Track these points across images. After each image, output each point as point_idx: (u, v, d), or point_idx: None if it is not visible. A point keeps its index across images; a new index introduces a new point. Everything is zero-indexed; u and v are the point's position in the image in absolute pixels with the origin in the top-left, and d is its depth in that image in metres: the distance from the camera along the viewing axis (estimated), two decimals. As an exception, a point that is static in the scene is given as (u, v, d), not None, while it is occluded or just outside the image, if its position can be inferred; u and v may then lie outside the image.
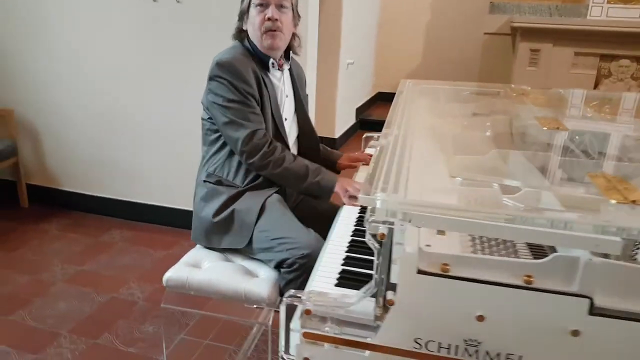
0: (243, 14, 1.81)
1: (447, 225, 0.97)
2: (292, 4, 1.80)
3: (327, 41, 4.40)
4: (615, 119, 1.88)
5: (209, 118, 1.82)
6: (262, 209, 1.72)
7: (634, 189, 1.08)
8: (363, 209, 1.60)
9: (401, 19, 6.32)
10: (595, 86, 5.15)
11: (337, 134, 4.96)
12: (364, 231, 1.42)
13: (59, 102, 3.28)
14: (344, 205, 1.67)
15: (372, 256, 1.29)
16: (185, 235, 3.10)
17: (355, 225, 1.50)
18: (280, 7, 1.75)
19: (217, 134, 1.81)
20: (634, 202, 1.00)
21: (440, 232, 1.12)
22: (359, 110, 5.79)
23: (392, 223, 0.98)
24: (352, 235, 1.43)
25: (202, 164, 1.90)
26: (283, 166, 1.72)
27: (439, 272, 0.98)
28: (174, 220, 3.21)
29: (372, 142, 2.24)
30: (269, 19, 1.73)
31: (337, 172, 2.02)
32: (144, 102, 3.10)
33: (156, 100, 3.07)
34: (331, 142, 4.83)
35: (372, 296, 1.03)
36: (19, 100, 3.36)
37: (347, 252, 1.34)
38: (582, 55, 5.02)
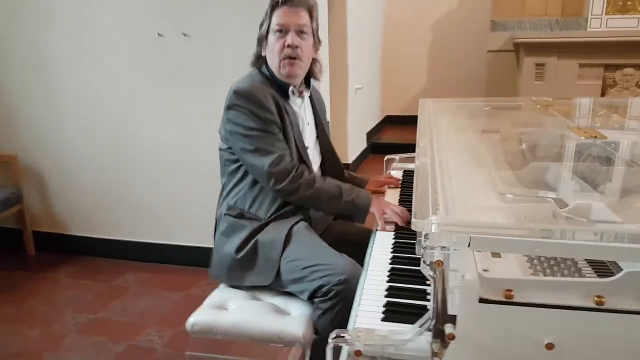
0: (262, 40, 1.75)
1: (512, 247, 0.88)
2: (312, 29, 1.74)
3: (335, 67, 4.40)
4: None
5: (227, 148, 1.76)
6: (287, 239, 1.63)
7: None
8: (399, 234, 1.51)
9: (404, 42, 6.37)
10: (602, 96, 5.12)
11: (350, 159, 4.94)
12: (405, 258, 1.37)
13: (64, 144, 3.22)
14: (376, 231, 1.57)
15: (417, 285, 1.23)
16: (204, 274, 2.99)
17: (392, 252, 1.40)
18: (300, 33, 1.69)
19: (237, 164, 1.74)
20: None
21: (495, 255, 1.03)
22: (369, 135, 5.78)
23: (445, 248, 0.89)
24: (391, 263, 1.34)
25: (222, 196, 1.83)
26: (315, 187, 1.65)
27: (503, 299, 0.88)
28: (191, 259, 3.11)
29: (394, 165, 2.18)
30: (288, 45, 1.67)
31: None
32: (153, 138, 3.04)
33: (166, 135, 3.01)
34: (344, 167, 4.79)
35: (427, 330, 0.93)
36: (22, 145, 3.29)
37: (388, 281, 1.24)
38: (586, 66, 5.02)
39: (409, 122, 6.46)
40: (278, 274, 1.62)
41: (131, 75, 2.97)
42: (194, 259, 3.09)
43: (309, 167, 1.76)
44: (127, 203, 3.20)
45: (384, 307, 1.13)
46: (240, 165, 1.73)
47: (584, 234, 0.85)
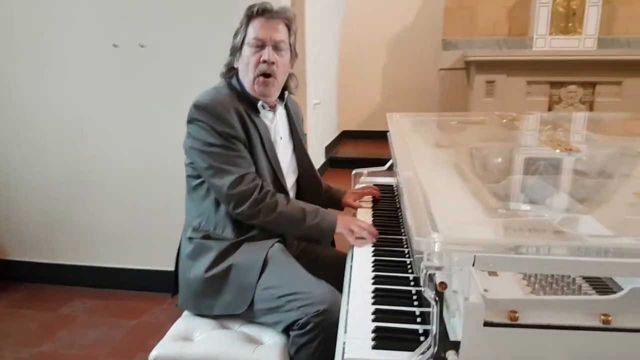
0: (235, 51, 1.66)
1: (518, 265, 0.83)
2: (290, 44, 1.66)
3: (294, 82, 4.35)
4: (617, 138, 1.83)
5: (190, 163, 1.65)
6: (264, 263, 1.51)
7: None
8: (378, 251, 1.45)
9: (360, 59, 6.43)
10: (549, 111, 5.30)
11: (310, 173, 4.87)
12: (387, 277, 1.31)
13: (5, 160, 2.99)
14: (353, 248, 1.50)
15: (405, 306, 1.16)
16: (159, 299, 2.86)
17: (374, 271, 1.33)
18: (277, 49, 1.61)
19: (200, 180, 1.63)
20: None
21: (492, 274, 0.98)
22: (328, 149, 5.76)
23: (446, 268, 0.83)
24: (374, 283, 1.26)
25: (186, 216, 1.71)
26: (277, 211, 1.54)
27: (508, 321, 0.83)
28: (144, 284, 2.93)
29: (362, 179, 2.13)
30: (264, 61, 1.59)
31: (342, 208, 1.90)
32: (108, 155, 2.85)
33: (122, 152, 2.83)
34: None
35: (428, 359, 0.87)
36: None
37: (374, 304, 1.17)
38: (534, 83, 5.20)
39: (366, 136, 6.55)
40: (252, 301, 1.50)
41: (84, 88, 2.80)
42: (147, 283, 2.91)
43: (283, 185, 1.66)
44: (75, 224, 3.00)
45: (373, 332, 1.05)
46: (204, 182, 1.62)
47: (592, 251, 0.81)
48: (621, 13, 5.31)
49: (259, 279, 1.49)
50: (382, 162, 2.11)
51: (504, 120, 2.03)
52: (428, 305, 1.09)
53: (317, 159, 5.27)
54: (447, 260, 0.82)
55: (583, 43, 5.13)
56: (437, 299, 0.84)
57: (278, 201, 1.55)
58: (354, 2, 6.25)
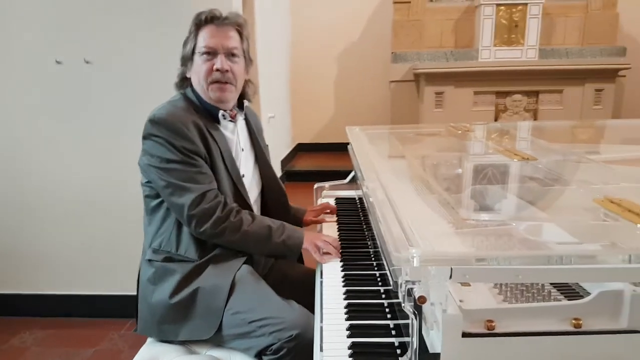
0: (186, 60, 1.61)
1: (494, 276, 0.84)
2: (243, 50, 1.62)
3: (248, 96, 4.32)
4: (567, 145, 1.91)
5: (147, 182, 1.58)
6: (232, 286, 1.46)
7: (650, 209, 1.02)
8: (347, 265, 1.44)
9: (312, 72, 6.46)
10: (495, 121, 5.49)
11: (267, 187, 4.82)
12: (359, 291, 1.30)
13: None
14: (321, 265, 1.48)
15: (378, 320, 1.16)
16: (115, 325, 2.75)
17: (344, 286, 1.32)
18: (230, 55, 1.57)
19: (159, 199, 1.56)
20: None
21: (465, 284, 0.99)
22: (283, 163, 5.72)
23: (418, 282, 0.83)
24: (346, 298, 1.26)
25: (145, 237, 1.64)
26: (241, 230, 1.49)
27: (485, 331, 0.84)
28: (99, 310, 2.82)
29: (324, 193, 2.12)
30: (217, 69, 1.55)
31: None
32: (54, 177, 2.73)
33: (69, 173, 2.71)
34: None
35: (408, 372, 0.87)
36: None
37: (347, 319, 1.16)
38: (480, 93, 5.38)
39: (321, 149, 6.58)
40: (219, 326, 1.45)
41: (25, 107, 2.67)
42: (103, 309, 2.80)
43: (245, 199, 1.62)
44: (21, 251, 2.85)
45: (349, 349, 1.04)
46: (163, 201, 1.55)
47: (562, 259, 0.83)
48: (559, 24, 5.58)
49: (226, 302, 1.44)
50: (339, 174, 2.12)
51: (459, 132, 2.08)
52: (401, 317, 1.10)
53: (273, 173, 5.25)
54: (425, 274, 0.82)
55: (525, 54, 5.35)
56: (416, 312, 0.84)
57: (242, 219, 1.51)
58: (302, 16, 6.28)
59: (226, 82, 1.57)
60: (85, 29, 2.54)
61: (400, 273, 0.84)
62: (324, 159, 6.17)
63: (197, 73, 1.58)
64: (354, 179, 2.07)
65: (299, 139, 6.62)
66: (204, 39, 1.56)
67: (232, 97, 1.62)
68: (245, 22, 1.65)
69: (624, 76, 5.50)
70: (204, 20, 1.57)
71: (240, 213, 1.53)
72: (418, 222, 1.04)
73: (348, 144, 1.92)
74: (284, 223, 1.58)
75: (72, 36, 2.55)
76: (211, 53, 1.56)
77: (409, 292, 0.83)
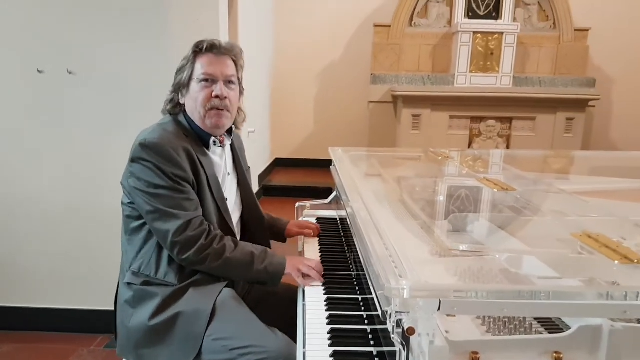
0: (181, 87, 1.61)
1: (481, 309, 0.87)
2: (239, 78, 1.65)
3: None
4: (542, 175, 1.97)
5: (130, 202, 1.56)
6: (212, 311, 1.45)
7: (624, 246, 1.07)
8: (329, 289, 1.45)
9: (292, 89, 6.50)
10: (469, 145, 5.61)
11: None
12: (342, 316, 1.32)
13: None
14: (303, 288, 1.49)
15: (362, 346, 1.17)
16: (86, 340, 2.69)
17: (327, 310, 1.34)
18: (228, 83, 1.60)
19: (141, 221, 1.55)
20: (638, 261, 0.98)
21: (450, 315, 1.02)
22: (261, 177, 5.71)
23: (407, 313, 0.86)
24: (329, 323, 1.27)
25: (124, 258, 1.62)
26: (224, 257, 1.49)
27: (470, 362, 0.86)
28: (68, 324, 2.75)
29: (305, 212, 2.14)
30: (216, 96, 1.56)
31: (284, 239, 1.89)
32: (29, 187, 2.67)
33: (45, 185, 2.66)
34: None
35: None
36: None
37: (331, 345, 1.17)
38: (456, 118, 5.50)
39: (299, 164, 6.60)
40: (199, 352, 1.43)
41: (5, 115, 2.62)
42: (71, 323, 2.74)
43: (229, 223, 1.63)
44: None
45: (334, 375, 1.05)
46: (145, 223, 1.54)
47: (546, 295, 0.86)
48: (533, 54, 5.76)
49: (207, 328, 1.43)
50: (317, 191, 2.15)
51: (440, 158, 2.12)
52: (385, 344, 1.12)
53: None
54: (414, 305, 0.84)
55: (500, 81, 5.50)
56: (404, 343, 0.86)
57: (225, 246, 1.51)
58: (285, 33, 6.34)
59: (224, 109, 1.58)
60: (69, 40, 2.52)
61: (389, 303, 0.86)
62: (301, 174, 6.18)
63: (195, 99, 1.58)
64: (335, 199, 2.10)
65: (277, 153, 6.63)
66: (203, 66, 1.58)
67: (227, 123, 1.64)
68: (241, 52, 1.68)
69: (594, 106, 5.70)
70: (203, 49, 1.59)
71: (223, 240, 1.52)
72: (403, 248, 1.07)
73: (327, 160, 1.94)
74: (267, 249, 1.59)
75: (55, 46, 2.53)
76: (210, 80, 1.57)
77: (398, 323, 0.85)
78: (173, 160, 1.49)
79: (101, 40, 2.52)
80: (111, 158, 2.55)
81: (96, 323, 2.71)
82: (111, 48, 2.53)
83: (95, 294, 2.67)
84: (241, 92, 1.69)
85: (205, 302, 1.46)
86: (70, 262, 2.72)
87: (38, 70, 2.52)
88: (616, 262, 0.98)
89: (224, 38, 3.27)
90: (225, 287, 1.53)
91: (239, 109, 1.72)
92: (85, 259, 2.70)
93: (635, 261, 0.95)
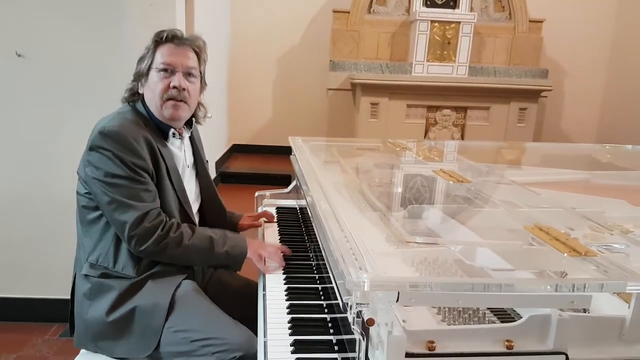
0: (141, 76, 1.58)
1: (437, 300, 0.90)
2: (200, 72, 1.62)
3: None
4: (495, 166, 2.03)
5: (86, 192, 1.52)
6: (172, 304, 1.44)
7: (573, 238, 1.13)
8: (289, 278, 1.47)
9: (250, 74, 6.41)
10: (425, 134, 5.71)
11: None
12: (302, 306, 1.33)
13: None
14: (264, 277, 1.50)
15: (322, 335, 1.20)
16: (39, 329, 2.63)
17: (288, 299, 1.35)
18: (188, 75, 1.56)
19: (98, 212, 1.51)
20: (585, 254, 1.03)
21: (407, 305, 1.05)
22: (218, 164, 5.63)
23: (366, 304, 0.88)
24: (289, 313, 1.29)
25: (80, 250, 1.58)
26: (182, 245, 1.48)
27: (426, 351, 0.90)
28: (22, 313, 2.68)
29: (265, 201, 2.14)
30: (174, 87, 1.53)
31: (238, 232, 1.85)
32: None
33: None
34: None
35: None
36: None
37: (291, 334, 1.19)
38: (413, 107, 5.58)
39: (256, 151, 6.55)
40: (159, 344, 1.42)
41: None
42: (25, 313, 2.68)
43: (189, 215, 1.62)
44: None
45: (294, 365, 1.07)
46: (102, 214, 1.51)
47: (498, 287, 0.90)
48: (489, 44, 5.88)
49: (166, 320, 1.42)
50: (275, 178, 2.16)
51: (398, 149, 2.16)
52: (344, 332, 1.14)
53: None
54: (373, 297, 0.86)
55: (456, 70, 5.59)
56: (363, 333, 0.88)
57: (183, 233, 1.49)
58: (242, 16, 6.25)
59: (181, 101, 1.56)
60: (18, 22, 2.42)
61: (349, 293, 0.88)
62: (259, 161, 6.15)
63: (152, 89, 1.56)
64: (295, 188, 2.11)
65: (235, 140, 6.56)
66: (163, 55, 1.55)
67: (185, 115, 1.61)
68: (204, 44, 1.65)
69: (546, 97, 5.89)
70: (163, 39, 1.56)
71: (180, 228, 1.51)
72: (363, 239, 1.09)
73: (285, 147, 1.94)
74: (226, 232, 1.58)
75: (3, 28, 2.42)
76: (169, 70, 1.55)
77: (358, 315, 0.87)
78: (133, 149, 1.46)
79: (52, 23, 2.43)
80: (62, 141, 2.48)
81: (51, 312, 2.65)
82: (62, 31, 2.44)
83: (49, 281, 2.62)
84: (202, 86, 1.66)
85: (163, 295, 1.45)
86: (21, 252, 2.64)
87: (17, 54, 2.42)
88: (565, 254, 1.04)
89: (179, 21, 3.21)
90: (185, 279, 1.52)
91: (200, 104, 1.70)
92: (37, 248, 2.63)
93: (583, 253, 1.01)
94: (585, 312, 0.97)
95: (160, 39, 1.57)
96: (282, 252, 1.55)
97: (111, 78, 2.41)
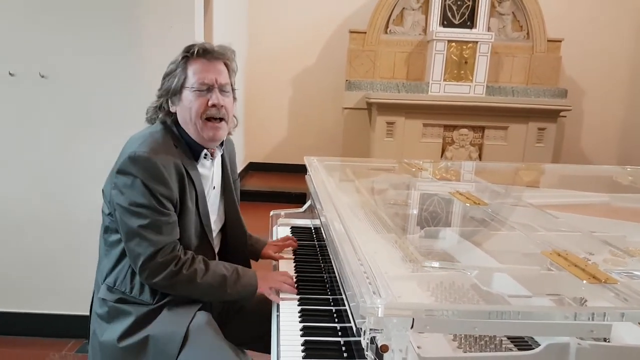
0: (171, 94, 1.51)
1: (453, 327, 0.88)
2: (231, 85, 1.58)
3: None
4: (512, 188, 2.01)
5: (109, 214, 1.51)
6: (186, 336, 1.40)
7: (592, 264, 1.10)
8: (303, 300, 1.45)
9: (266, 92, 6.46)
10: (442, 153, 5.68)
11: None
12: (316, 328, 1.32)
13: None
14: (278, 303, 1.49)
15: (335, 359, 1.18)
16: (56, 345, 2.64)
17: (301, 322, 1.34)
18: (223, 91, 1.51)
19: (119, 236, 1.48)
20: (605, 281, 1.01)
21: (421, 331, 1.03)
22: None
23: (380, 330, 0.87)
24: (303, 335, 1.27)
25: (100, 271, 1.57)
26: (194, 283, 1.44)
27: (441, 378, 0.88)
28: (39, 329, 2.69)
29: (280, 220, 2.13)
30: (213, 105, 1.48)
31: (258, 259, 1.83)
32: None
33: (16, 189, 2.59)
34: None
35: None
36: None
37: (305, 358, 1.18)
38: (429, 126, 5.56)
39: (272, 169, 6.58)
40: None
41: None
42: (43, 329, 2.69)
43: (209, 238, 1.58)
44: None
45: (307, 390, 1.06)
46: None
47: (516, 315, 0.88)
48: (506, 63, 5.87)
49: (179, 353, 1.39)
50: (291, 196, 2.15)
51: (413, 169, 2.15)
52: (357, 357, 1.13)
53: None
54: (387, 323, 0.85)
55: (473, 90, 5.58)
56: (377, 359, 0.87)
57: (196, 271, 1.45)
58: (259, 36, 6.31)
59: (221, 120, 1.52)
60: (41, 44, 2.47)
61: (363, 317, 0.87)
62: (275, 179, 6.17)
63: (189, 109, 1.50)
64: (310, 208, 2.10)
65: (251, 157, 6.59)
66: (196, 73, 1.50)
67: (224, 135, 1.57)
68: (233, 54, 1.60)
69: (565, 116, 5.83)
70: (195, 54, 1.51)
71: (194, 264, 1.46)
72: (377, 263, 1.08)
73: (301, 165, 1.92)
74: (238, 268, 1.54)
75: (27, 50, 2.47)
76: (205, 89, 1.49)
77: (372, 340, 0.86)
78: (161, 178, 1.42)
79: (74, 45, 2.48)
80: (80, 159, 2.52)
81: (68, 328, 2.66)
82: (84, 53, 2.49)
83: (66, 298, 2.63)
84: (235, 98, 1.61)
85: (179, 325, 1.42)
86: (38, 267, 2.66)
87: (9, 73, 2.47)
88: (584, 281, 1.01)
89: (199, 42, 3.25)
90: (201, 308, 1.49)
91: (232, 116, 1.63)
92: (56, 263, 2.64)
93: (603, 281, 0.98)
94: (605, 341, 0.95)
95: (190, 54, 1.51)
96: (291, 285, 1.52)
97: (130, 99, 2.44)
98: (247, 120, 6.32)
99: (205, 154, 1.57)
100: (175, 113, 1.54)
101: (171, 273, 1.42)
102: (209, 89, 1.50)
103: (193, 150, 1.55)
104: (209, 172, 1.62)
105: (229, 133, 1.66)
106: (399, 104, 5.38)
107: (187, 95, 1.50)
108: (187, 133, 1.54)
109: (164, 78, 1.55)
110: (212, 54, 1.52)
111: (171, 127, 1.54)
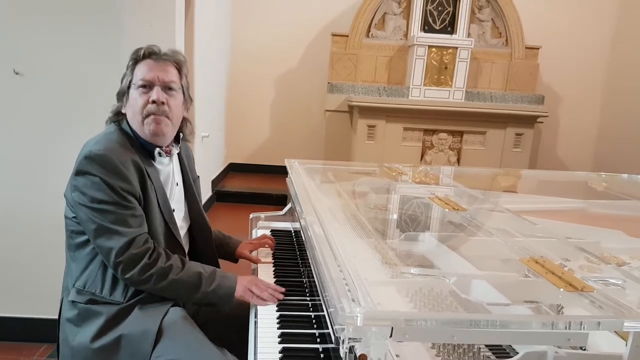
0: (122, 95, 1.55)
1: (431, 336, 0.88)
2: (182, 85, 1.58)
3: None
4: (490, 193, 2.02)
5: (73, 217, 1.49)
6: (159, 332, 1.39)
7: (569, 272, 1.11)
8: (282, 305, 1.44)
9: (248, 94, 6.41)
10: (422, 157, 5.72)
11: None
12: (294, 335, 1.31)
13: None
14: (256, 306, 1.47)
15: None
16: (28, 350, 2.57)
17: (279, 328, 1.33)
18: (167, 89, 1.51)
19: (85, 237, 1.47)
20: (582, 289, 1.02)
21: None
22: (214, 182, 5.60)
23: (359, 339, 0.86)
24: (281, 342, 1.26)
25: (67, 275, 1.54)
26: (169, 279, 1.43)
27: (419, 387, 0.88)
28: (10, 334, 2.61)
29: (259, 223, 2.11)
30: (153, 101, 1.48)
31: (235, 260, 1.82)
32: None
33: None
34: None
35: None
36: None
37: (282, 366, 1.17)
38: (409, 130, 5.60)
39: (252, 170, 6.54)
40: None
41: None
42: (14, 333, 2.62)
43: (176, 237, 1.57)
44: None
45: (284, 397, 1.05)
46: (89, 239, 1.46)
47: (497, 324, 0.88)
48: (485, 69, 5.94)
49: (154, 348, 1.38)
50: (271, 197, 2.13)
51: (394, 173, 2.15)
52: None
53: (204, 192, 5.11)
54: (366, 332, 0.85)
55: (453, 95, 5.63)
56: (355, 369, 0.86)
57: (172, 266, 1.45)
58: (242, 37, 6.28)
59: (162, 115, 1.51)
60: (16, 41, 2.41)
61: (343, 327, 0.87)
62: (256, 180, 6.13)
63: (133, 107, 1.51)
64: (290, 211, 2.09)
65: (232, 158, 6.55)
66: (141, 72, 1.52)
67: (167, 131, 1.55)
68: (184, 60, 1.61)
69: (542, 122, 5.92)
70: (141, 56, 1.53)
71: (170, 260, 1.46)
72: (356, 268, 1.08)
73: (282, 167, 1.91)
74: (216, 270, 1.53)
75: (2, 47, 2.41)
76: (147, 86, 1.50)
77: (351, 350, 0.85)
78: (120, 173, 1.42)
79: (51, 42, 2.42)
80: (54, 163, 2.47)
81: (39, 332, 2.60)
82: (61, 51, 2.43)
83: (38, 302, 2.57)
84: (186, 101, 1.61)
85: (152, 322, 1.41)
86: (9, 270, 2.60)
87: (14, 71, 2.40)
88: (561, 289, 1.02)
89: (179, 42, 3.22)
90: (174, 305, 1.48)
91: (186, 120, 1.64)
92: (25, 267, 2.59)
93: (579, 289, 0.99)
94: (582, 349, 0.95)
95: (138, 57, 1.53)
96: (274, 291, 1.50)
97: (108, 99, 2.39)
98: (229, 121, 6.29)
99: (160, 152, 1.57)
100: (126, 113, 1.56)
101: (145, 266, 1.41)
102: (151, 86, 1.51)
103: (147, 149, 1.56)
104: (168, 168, 1.62)
105: (186, 140, 1.69)
106: (380, 107, 5.40)
107: (132, 93, 1.52)
108: (137, 133, 1.54)
109: (120, 82, 1.57)
110: (159, 55, 1.55)
111: (125, 128, 1.55)
